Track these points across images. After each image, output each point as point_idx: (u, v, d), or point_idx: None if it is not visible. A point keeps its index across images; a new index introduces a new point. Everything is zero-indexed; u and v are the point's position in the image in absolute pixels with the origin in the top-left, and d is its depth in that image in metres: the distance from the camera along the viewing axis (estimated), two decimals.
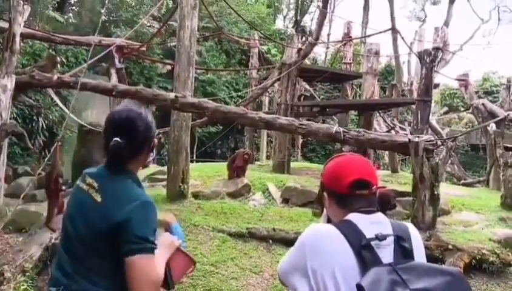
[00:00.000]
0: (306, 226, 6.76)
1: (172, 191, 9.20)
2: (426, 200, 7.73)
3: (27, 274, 6.36)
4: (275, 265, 7.71)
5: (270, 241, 8.17)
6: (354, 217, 1.74)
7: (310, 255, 1.69)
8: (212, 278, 7.26)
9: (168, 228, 2.49)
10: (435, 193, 7.83)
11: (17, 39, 8.64)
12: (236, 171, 10.40)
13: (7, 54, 8.46)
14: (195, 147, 21.40)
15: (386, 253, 1.68)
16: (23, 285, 5.92)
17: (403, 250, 1.70)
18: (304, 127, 8.42)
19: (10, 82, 8.33)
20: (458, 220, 9.52)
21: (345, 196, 1.79)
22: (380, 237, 1.68)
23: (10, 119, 9.96)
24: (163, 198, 9.19)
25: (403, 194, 9.10)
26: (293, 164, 14.02)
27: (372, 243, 1.67)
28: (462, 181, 17.51)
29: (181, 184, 9.18)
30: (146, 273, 2.00)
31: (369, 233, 1.69)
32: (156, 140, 2.35)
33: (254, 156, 17.02)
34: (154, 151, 2.39)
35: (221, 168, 11.64)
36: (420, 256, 1.76)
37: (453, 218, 9.62)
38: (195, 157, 20.75)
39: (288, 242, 8.13)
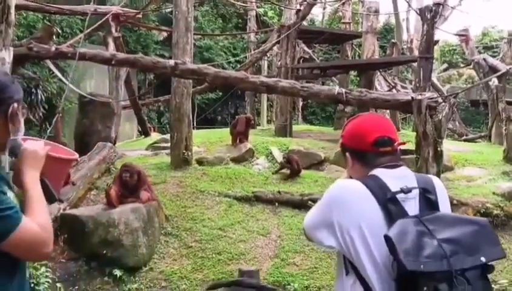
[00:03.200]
0: (310, 188, 6.87)
1: (176, 159, 9.23)
2: (429, 157, 7.74)
3: None
4: (281, 226, 7.82)
5: (276, 204, 8.28)
6: (379, 172, 1.76)
7: (337, 210, 1.71)
8: (220, 241, 7.39)
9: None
10: (439, 149, 7.84)
11: (12, 10, 8.47)
12: (239, 137, 10.41)
13: (3, 26, 8.29)
14: (195, 114, 21.35)
15: (412, 205, 1.70)
16: None
17: (429, 202, 1.72)
18: (306, 89, 8.37)
19: (8, 55, 8.21)
20: (462, 175, 9.59)
21: (369, 154, 1.80)
22: (405, 190, 1.69)
23: None
24: (167, 166, 9.24)
25: (405, 152, 9.14)
26: (295, 127, 14.03)
27: (398, 196, 1.68)
28: (464, 137, 17.55)
29: (184, 151, 9.21)
30: (29, 244, 1.74)
31: (394, 187, 1.70)
32: (15, 107, 1.85)
33: (255, 120, 17.01)
34: (21, 123, 1.86)
35: (223, 134, 11.66)
36: (445, 207, 1.78)
37: (456, 174, 9.70)
38: (195, 125, 20.69)
39: (294, 204, 8.24)
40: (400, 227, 1.58)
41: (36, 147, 1.93)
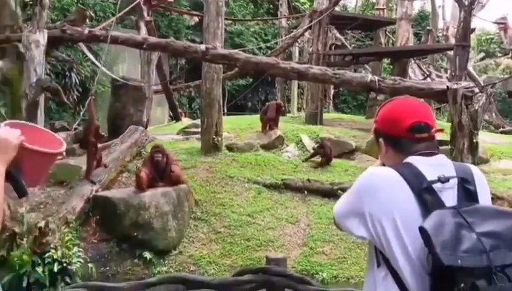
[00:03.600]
0: (341, 177, 6.77)
1: (206, 144, 9.27)
2: (464, 148, 7.55)
3: (71, 225, 6.60)
4: (310, 215, 7.79)
5: (306, 192, 8.23)
6: (414, 159, 1.66)
7: (368, 199, 1.62)
8: (249, 228, 7.41)
9: None
10: (474, 141, 7.64)
11: None
12: (269, 123, 10.37)
13: (37, 9, 8.46)
14: (226, 100, 21.37)
15: (449, 196, 1.59)
16: (67, 235, 6.14)
17: (467, 193, 1.61)
18: (337, 76, 8.26)
19: (42, 37, 8.37)
20: (498, 168, 9.34)
21: (403, 140, 1.69)
22: (443, 180, 1.59)
23: (44, 74, 10.09)
24: (197, 151, 9.29)
25: (440, 143, 8.94)
26: (325, 115, 13.91)
27: (434, 186, 1.58)
28: (500, 129, 17.05)
29: (214, 137, 9.23)
30: None
31: (430, 176, 1.60)
32: None
33: (285, 108, 16.92)
34: None
35: (253, 120, 11.64)
36: (485, 198, 1.66)
37: (492, 167, 9.45)
38: (225, 111, 20.74)
39: (323, 193, 8.18)
40: (436, 219, 1.48)
41: (8, 135, 1.73)
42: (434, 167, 1.65)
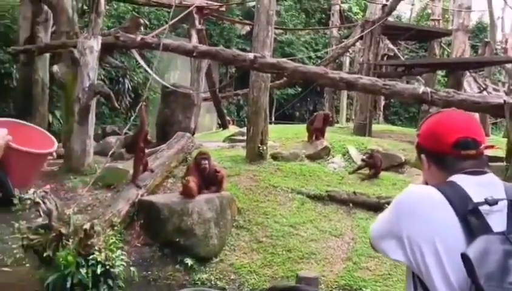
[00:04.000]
0: (388, 191, 6.53)
1: (251, 152, 9.24)
2: None
3: (115, 228, 6.70)
4: (355, 228, 7.57)
5: (351, 205, 8.03)
6: (459, 178, 1.52)
7: (407, 221, 1.49)
8: (291, 239, 7.28)
9: None
10: None
11: (102, 1, 8.88)
12: (315, 133, 10.23)
13: (93, 16, 8.73)
14: (273, 109, 21.36)
15: (498, 220, 1.44)
16: (112, 238, 6.23)
17: None
18: (388, 87, 8.01)
19: (96, 43, 8.62)
20: None
21: (448, 157, 1.56)
22: (491, 202, 1.44)
23: (98, 80, 10.38)
24: (242, 159, 9.26)
25: (495, 159, 8.51)
26: (374, 127, 13.60)
27: (481, 208, 1.44)
28: None
29: (259, 145, 9.19)
30: None
31: (477, 197, 1.46)
32: None
33: (334, 118, 16.69)
34: None
35: (299, 130, 11.52)
36: None
37: None
38: (273, 120, 20.74)
39: (369, 207, 7.95)
40: (481, 245, 1.36)
41: None
42: (481, 187, 1.50)
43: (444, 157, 1.58)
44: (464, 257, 1.34)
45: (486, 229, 1.41)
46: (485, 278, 1.29)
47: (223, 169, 7.68)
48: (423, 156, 1.66)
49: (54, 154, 1.96)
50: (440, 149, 1.58)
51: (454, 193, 1.48)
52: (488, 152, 1.61)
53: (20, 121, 2.09)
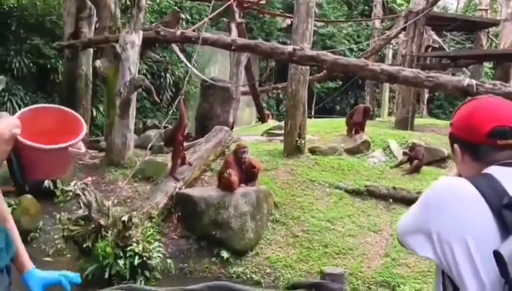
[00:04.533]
0: (429, 186, 6.27)
1: (289, 146, 9.15)
2: None
3: (153, 220, 6.77)
4: (395, 224, 7.34)
5: (390, 200, 7.83)
6: (495, 170, 1.40)
7: (436, 216, 1.39)
8: (328, 234, 7.16)
9: None
10: None
11: None
12: (355, 127, 10.02)
13: (135, 10, 8.84)
14: (313, 103, 21.15)
15: None
16: (149, 230, 6.31)
17: None
18: (431, 79, 7.73)
19: (138, 38, 8.73)
20: None
21: (482, 147, 1.44)
22: None
23: (140, 74, 10.54)
24: (280, 153, 9.19)
25: None
26: (417, 121, 13.21)
27: None
28: None
29: (297, 139, 9.08)
30: None
31: None
32: None
33: (374, 111, 16.36)
34: None
35: (339, 124, 11.34)
36: None
37: None
38: (313, 114, 20.54)
39: (410, 202, 7.66)
40: None
41: (2, 126, 1.62)
42: None
43: (479, 147, 1.45)
44: (497, 255, 1.23)
45: None
46: None
47: (259, 162, 7.63)
48: (456, 146, 1.54)
49: (83, 148, 1.91)
50: (474, 139, 1.46)
51: (488, 185, 1.36)
52: None
53: (55, 106, 2.06)
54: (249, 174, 7.28)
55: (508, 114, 1.44)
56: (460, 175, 1.54)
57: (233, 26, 12.55)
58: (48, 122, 1.92)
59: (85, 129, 1.92)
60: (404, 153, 9.07)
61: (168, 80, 16.40)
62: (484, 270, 1.30)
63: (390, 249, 6.91)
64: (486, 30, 15.57)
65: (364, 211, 7.67)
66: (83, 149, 1.93)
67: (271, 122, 15.36)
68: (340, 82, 21.34)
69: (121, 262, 5.71)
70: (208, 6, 16.62)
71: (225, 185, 7.01)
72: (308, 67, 9.29)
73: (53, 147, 1.76)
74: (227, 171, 6.97)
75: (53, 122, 1.93)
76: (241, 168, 7.20)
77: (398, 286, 6.33)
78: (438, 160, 9.46)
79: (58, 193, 7.28)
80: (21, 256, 1.95)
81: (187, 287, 3.15)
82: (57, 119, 1.95)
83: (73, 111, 2.01)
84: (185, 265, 6.60)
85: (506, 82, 10.86)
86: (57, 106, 2.10)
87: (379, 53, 17.56)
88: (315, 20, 11.54)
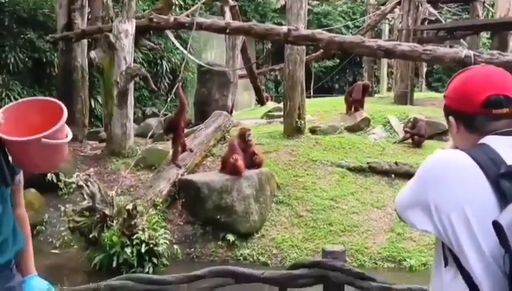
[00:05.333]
0: None
1: (289, 127, 9.14)
2: None
3: (158, 207, 6.80)
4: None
5: (393, 176, 7.85)
6: (491, 140, 1.40)
7: (434, 188, 1.38)
8: (332, 212, 7.20)
9: None
10: None
11: None
12: (354, 105, 9.99)
13: None
14: (312, 82, 21.07)
15: None
16: (154, 218, 6.34)
17: None
18: (428, 52, 7.69)
19: (131, 27, 8.67)
20: None
21: (478, 118, 1.43)
22: None
23: (136, 63, 10.48)
24: (280, 134, 9.19)
25: None
26: (416, 95, 13.21)
27: None
28: None
29: (297, 120, 9.06)
30: None
31: (511, 159, 1.34)
32: None
33: (373, 88, 16.30)
34: None
35: (338, 102, 11.31)
36: None
37: None
38: (312, 93, 20.47)
39: (412, 177, 7.72)
40: None
41: None
42: None
43: (474, 117, 1.44)
44: (496, 225, 1.23)
45: None
46: None
47: (260, 151, 7.58)
48: (451, 118, 1.52)
49: (70, 135, 1.91)
50: (469, 109, 1.45)
51: (484, 155, 1.36)
52: None
53: (50, 100, 2.05)
54: (252, 159, 7.28)
55: (502, 83, 1.43)
56: (456, 147, 1.53)
57: (226, 9, 12.46)
58: (37, 115, 1.92)
59: (63, 118, 1.89)
60: (406, 132, 9.06)
61: (165, 67, 16.30)
62: (483, 239, 1.30)
63: (394, 224, 6.94)
64: (482, 0, 15.42)
65: (367, 187, 7.69)
66: (69, 136, 1.93)
67: (270, 104, 15.32)
68: (338, 60, 21.24)
69: (128, 250, 5.74)
70: None
71: (232, 170, 7.02)
72: (304, 47, 9.23)
73: (24, 139, 1.76)
74: (233, 157, 6.96)
75: (42, 114, 1.93)
76: (245, 152, 7.22)
77: (404, 260, 6.39)
78: (440, 134, 9.45)
79: (61, 186, 7.31)
80: (27, 257, 1.98)
81: (191, 273, 3.15)
82: (45, 111, 1.95)
83: (56, 101, 1.99)
84: (192, 250, 6.65)
85: (504, 51, 10.79)
86: (44, 98, 2.09)
87: (375, 29, 17.48)
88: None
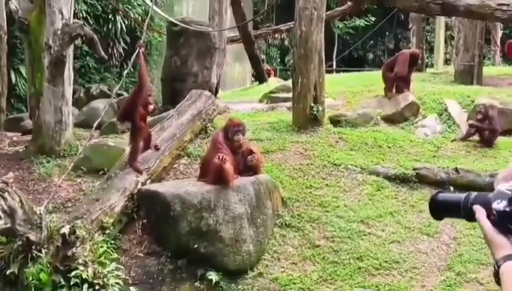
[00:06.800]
0: (507, 165, 6.34)
1: (300, 116, 9.19)
2: None
3: (107, 231, 6.80)
4: (458, 223, 7.43)
5: (452, 188, 7.88)
6: None
7: None
8: (363, 241, 7.24)
9: None
10: None
11: None
12: (397, 84, 10.05)
13: None
14: (335, 50, 21.13)
15: None
16: (102, 246, 6.32)
17: None
18: (505, 9, 7.79)
19: None
20: None
21: None
22: None
23: (78, 19, 10.46)
24: (287, 126, 9.24)
25: None
26: (487, 70, 13.28)
27: None
28: None
29: (312, 105, 9.10)
30: None
31: None
32: None
33: (424, 59, 16.36)
34: None
35: (373, 79, 11.39)
36: None
37: None
38: (334, 66, 20.56)
39: (479, 190, 7.71)
40: None
41: None
42: None
43: None
44: None
45: None
46: None
47: (257, 150, 7.59)
48: None
49: None
50: None
51: None
52: None
53: None
54: (246, 161, 7.28)
55: None
56: None
57: None
58: None
59: None
60: (471, 126, 9.09)
61: (119, 25, 16.34)
62: None
63: (452, 260, 7.00)
64: None
65: (413, 205, 7.74)
66: None
67: (273, 81, 15.37)
68: (373, 19, 21.31)
69: None
70: None
71: (217, 177, 7.00)
72: None
73: None
74: (219, 156, 6.93)
75: None
76: (236, 151, 7.21)
77: None
78: None
79: None
80: None
81: None
82: None
83: None
84: None
85: None
86: None
87: None
88: None
